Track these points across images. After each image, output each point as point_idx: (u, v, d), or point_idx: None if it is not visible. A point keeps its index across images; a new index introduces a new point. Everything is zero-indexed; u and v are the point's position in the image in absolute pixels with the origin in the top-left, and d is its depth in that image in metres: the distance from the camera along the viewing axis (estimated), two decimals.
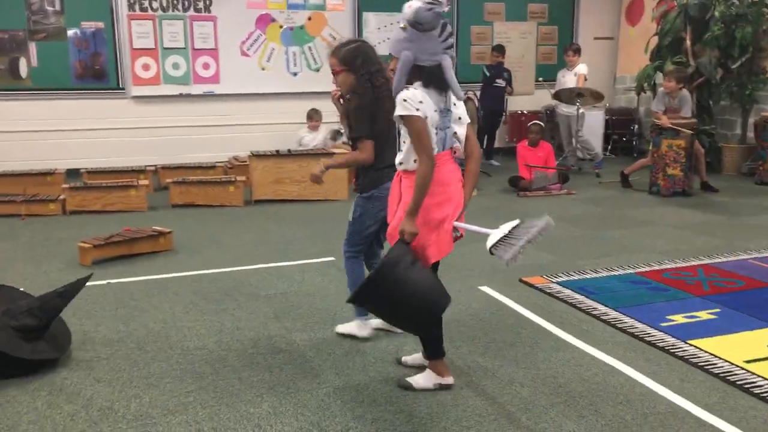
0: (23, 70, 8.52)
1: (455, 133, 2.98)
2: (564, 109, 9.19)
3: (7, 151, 8.47)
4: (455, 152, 3.01)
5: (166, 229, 5.57)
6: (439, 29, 2.85)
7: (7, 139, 8.52)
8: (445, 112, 2.92)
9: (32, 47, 8.51)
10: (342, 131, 3.76)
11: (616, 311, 4.08)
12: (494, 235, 2.86)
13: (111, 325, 3.93)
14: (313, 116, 8.81)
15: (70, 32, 8.64)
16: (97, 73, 8.83)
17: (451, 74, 2.90)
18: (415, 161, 2.90)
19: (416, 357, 3.39)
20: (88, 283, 4.03)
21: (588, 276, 4.77)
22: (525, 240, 2.74)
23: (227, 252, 5.49)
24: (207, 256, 5.36)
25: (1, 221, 6.48)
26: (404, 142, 2.97)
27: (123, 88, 8.95)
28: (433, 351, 3.18)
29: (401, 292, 2.83)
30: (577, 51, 9.25)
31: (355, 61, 3.42)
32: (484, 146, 9.58)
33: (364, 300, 2.99)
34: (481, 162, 3.07)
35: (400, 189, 3.03)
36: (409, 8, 2.82)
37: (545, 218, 2.83)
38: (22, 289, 3.97)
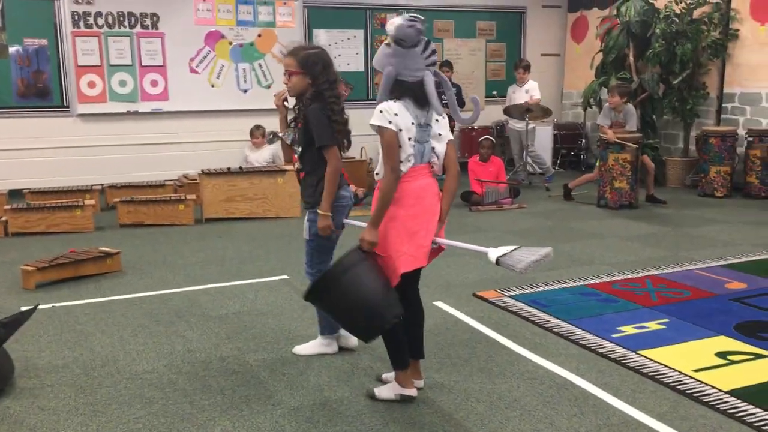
0: None
1: (433, 148, 3.05)
2: (515, 124, 9.33)
3: None
4: (432, 167, 3.06)
5: (113, 250, 5.43)
6: (422, 46, 2.95)
7: None
8: (424, 126, 3.00)
9: None
10: (280, 134, 3.66)
11: (569, 323, 4.13)
12: (495, 251, 2.95)
13: (56, 351, 3.80)
14: (254, 132, 8.71)
15: (12, 49, 8.42)
16: (40, 91, 8.61)
17: (432, 90, 3.00)
18: None
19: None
20: (29, 307, 3.89)
21: (540, 289, 4.82)
22: (533, 259, 2.84)
23: (178, 272, 5.38)
24: (157, 277, 5.24)
25: None
26: (379, 153, 2.99)
27: (68, 106, 8.74)
28: (395, 361, 3.18)
29: (349, 297, 2.91)
30: (527, 68, 9.40)
31: (315, 67, 3.34)
32: None
33: (316, 298, 3.04)
34: (459, 179, 3.11)
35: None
36: (391, 25, 2.91)
37: (548, 248, 2.93)
38: None
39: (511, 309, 4.40)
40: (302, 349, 3.74)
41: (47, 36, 8.54)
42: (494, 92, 10.13)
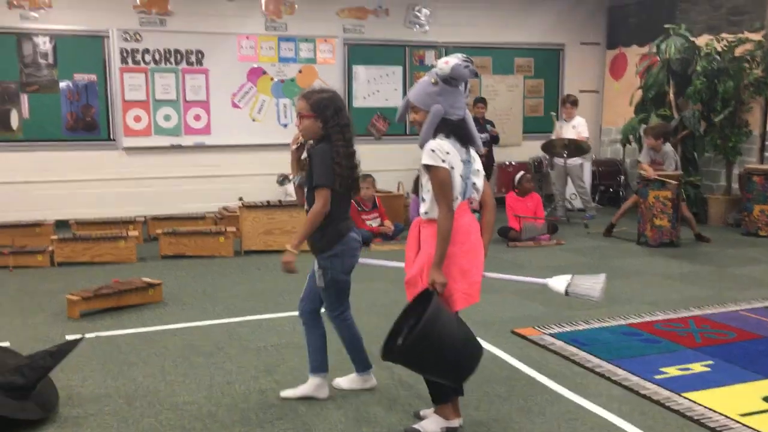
0: (14, 121, 8.55)
1: (474, 183, 3.10)
2: (560, 159, 9.26)
3: None
4: (471, 203, 3.11)
5: (155, 281, 5.53)
6: (463, 85, 3.02)
7: None
8: (466, 163, 3.05)
9: (24, 99, 8.57)
10: (290, 177, 3.64)
11: (610, 363, 4.06)
12: (556, 281, 3.17)
13: (99, 380, 3.87)
14: None
15: (62, 84, 8.72)
16: (88, 124, 8.88)
17: (474, 127, 3.10)
18: None
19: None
20: (75, 337, 3.98)
21: (580, 327, 4.76)
22: (601, 287, 3.05)
23: (217, 304, 5.45)
24: (197, 308, 5.31)
25: None
26: (428, 191, 3.02)
27: (114, 140, 8.99)
28: (437, 396, 3.21)
29: (441, 346, 2.86)
30: (575, 103, 9.33)
31: (326, 111, 3.32)
32: None
33: (403, 357, 2.95)
34: (495, 213, 3.22)
35: (419, 238, 3.08)
36: (445, 64, 2.96)
37: (602, 274, 3.12)
38: (6, 345, 3.90)
39: (550, 347, 4.35)
40: (340, 383, 3.74)
41: (96, 71, 8.83)
42: (552, 113, 10.01)
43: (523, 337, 4.57)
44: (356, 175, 3.46)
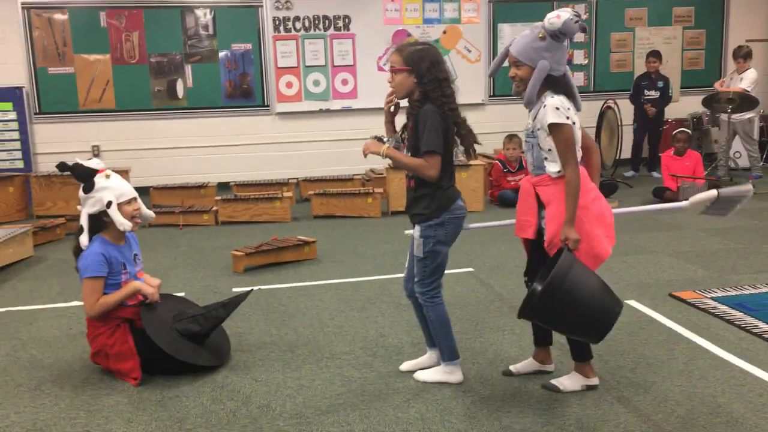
0: (180, 90, 9.19)
1: None
2: (726, 115, 8.61)
3: (166, 165, 9.16)
4: None
5: (310, 239, 5.80)
6: (567, 41, 2.97)
7: (165, 155, 9.22)
8: None
9: (188, 69, 9.16)
10: (385, 138, 3.33)
11: None
12: (700, 195, 3.16)
13: (264, 329, 4.15)
14: None
15: (221, 54, 9.23)
16: (244, 91, 9.36)
17: (573, 83, 3.06)
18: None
19: (526, 364, 3.42)
20: (241, 289, 4.27)
21: (746, 292, 4.48)
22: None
23: (367, 261, 5.63)
24: (348, 265, 5.53)
25: (162, 230, 7.00)
26: (549, 150, 2.97)
27: (268, 106, 9.43)
28: (579, 354, 3.19)
29: (575, 300, 2.81)
30: (747, 56, 8.61)
31: (421, 64, 3.04)
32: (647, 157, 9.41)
33: (536, 314, 2.97)
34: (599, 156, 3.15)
35: (537, 196, 3.06)
36: (557, 19, 2.90)
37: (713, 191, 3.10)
38: (182, 295, 4.25)
39: (713, 311, 4.13)
40: (422, 375, 3.39)
41: (251, 41, 9.26)
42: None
43: (683, 300, 4.36)
44: (473, 133, 3.20)
